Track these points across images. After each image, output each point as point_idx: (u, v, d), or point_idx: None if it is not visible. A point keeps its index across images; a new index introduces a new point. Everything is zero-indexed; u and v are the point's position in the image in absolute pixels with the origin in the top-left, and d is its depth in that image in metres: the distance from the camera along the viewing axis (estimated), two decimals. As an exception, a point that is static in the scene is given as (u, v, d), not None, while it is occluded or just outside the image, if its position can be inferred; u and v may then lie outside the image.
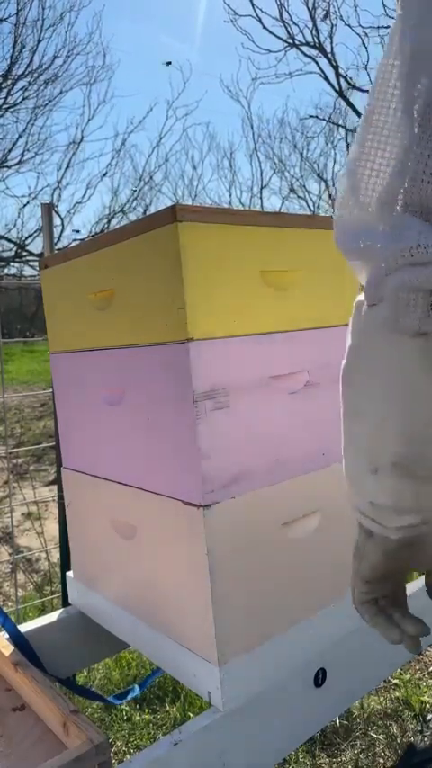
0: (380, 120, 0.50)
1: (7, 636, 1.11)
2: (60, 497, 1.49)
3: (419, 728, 1.43)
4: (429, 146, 0.46)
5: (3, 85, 10.25)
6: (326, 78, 8.73)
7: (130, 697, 1.33)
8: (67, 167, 12.75)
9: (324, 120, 11.72)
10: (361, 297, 0.56)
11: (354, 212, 0.52)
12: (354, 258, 0.54)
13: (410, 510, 0.57)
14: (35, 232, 12.55)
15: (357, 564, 0.65)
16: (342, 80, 8.61)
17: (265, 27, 8.00)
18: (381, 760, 1.35)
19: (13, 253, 12.46)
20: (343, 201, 0.53)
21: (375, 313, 0.53)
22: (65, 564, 1.53)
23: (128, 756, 1.39)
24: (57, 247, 1.65)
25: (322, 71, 8.64)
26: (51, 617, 1.24)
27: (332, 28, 8.10)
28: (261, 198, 15.70)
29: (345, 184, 0.53)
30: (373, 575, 0.64)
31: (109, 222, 13.49)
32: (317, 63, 8.53)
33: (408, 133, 0.47)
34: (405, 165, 0.47)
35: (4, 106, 10.53)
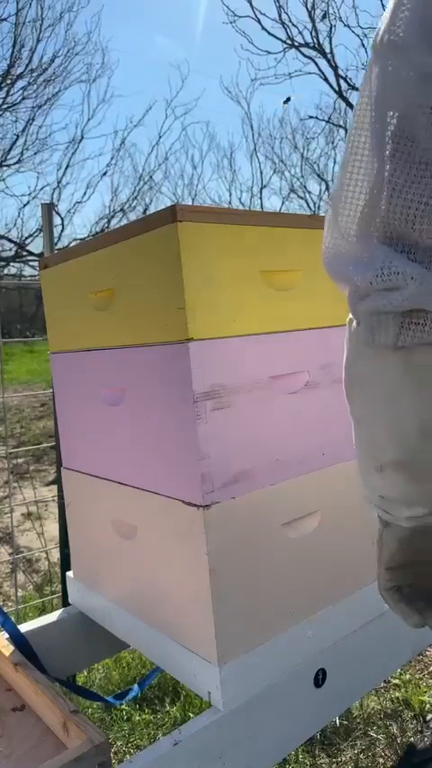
0: (356, 155, 0.54)
1: (7, 636, 1.11)
2: (60, 497, 1.49)
3: (419, 728, 1.43)
4: (394, 180, 0.50)
5: (2, 85, 10.25)
6: (325, 79, 8.73)
7: (129, 697, 1.33)
8: (67, 167, 12.76)
9: (324, 120, 11.73)
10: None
11: (336, 241, 0.57)
12: (337, 282, 0.60)
13: (417, 502, 0.61)
14: (35, 232, 12.55)
15: (379, 552, 0.70)
16: (341, 81, 8.62)
17: (264, 28, 8.01)
18: (381, 760, 1.35)
19: (12, 253, 12.45)
20: (327, 230, 0.58)
21: (359, 330, 0.58)
22: (65, 564, 1.53)
23: (128, 756, 1.39)
24: (57, 247, 1.65)
25: (321, 72, 8.65)
26: (51, 617, 1.24)
27: (331, 29, 8.11)
28: (261, 198, 15.70)
29: (329, 214, 0.58)
30: (391, 562, 0.68)
31: (109, 222, 13.49)
32: (316, 64, 8.53)
33: (378, 169, 0.51)
34: (376, 199, 0.51)
35: (4, 106, 10.53)
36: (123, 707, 1.55)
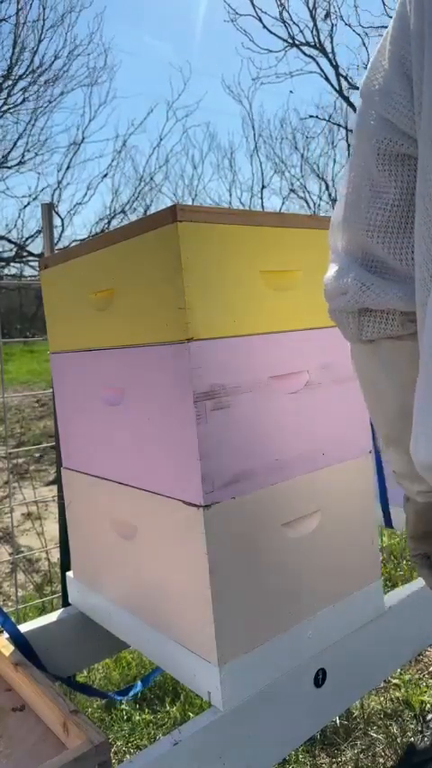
0: (344, 188, 0.66)
1: (7, 636, 1.11)
2: (60, 497, 1.49)
3: (419, 728, 1.43)
4: (370, 213, 0.61)
5: (3, 86, 10.24)
6: (326, 78, 8.73)
7: (132, 693, 1.33)
8: (68, 168, 12.75)
9: (324, 119, 11.73)
10: None
11: (331, 258, 0.69)
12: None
13: (418, 479, 0.68)
14: (35, 233, 12.54)
15: (406, 522, 0.77)
16: (342, 80, 8.62)
17: (265, 26, 8.00)
18: (381, 760, 1.35)
19: (13, 253, 12.45)
20: (330, 253, 0.71)
21: None
22: (65, 564, 1.53)
23: (128, 756, 1.38)
24: (57, 248, 1.65)
25: (322, 71, 8.64)
26: (51, 617, 1.24)
27: (332, 28, 8.10)
28: (262, 198, 15.69)
29: (329, 239, 0.70)
30: (414, 532, 0.75)
31: (109, 222, 13.49)
32: (317, 63, 8.52)
33: (357, 194, 0.62)
34: (354, 221, 0.63)
35: (5, 107, 10.52)
36: (123, 707, 1.55)
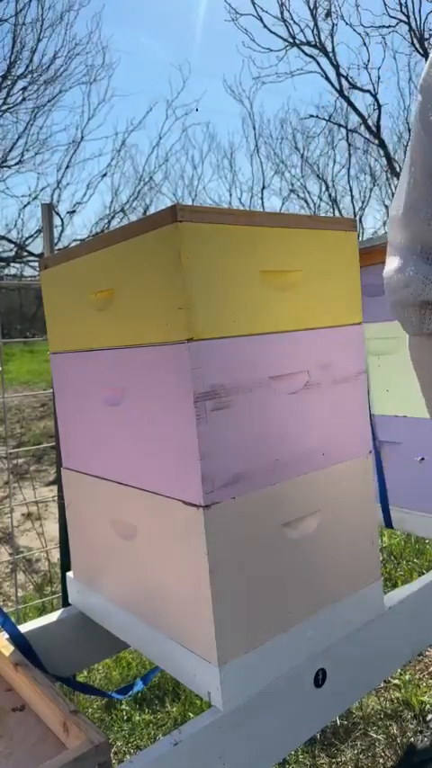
0: (404, 182, 0.67)
1: (7, 636, 1.11)
2: (60, 497, 1.49)
3: (419, 728, 1.43)
4: (429, 201, 0.61)
5: (2, 86, 10.24)
6: (326, 78, 8.73)
7: (133, 691, 1.33)
8: (67, 167, 12.76)
9: (324, 119, 11.73)
10: None
11: (390, 251, 0.71)
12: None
13: None
14: (35, 233, 12.55)
15: None
16: (343, 79, 8.62)
17: (265, 26, 8.01)
18: (381, 760, 1.35)
19: (13, 253, 12.45)
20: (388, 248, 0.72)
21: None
22: (65, 564, 1.53)
23: (128, 756, 1.39)
24: (57, 248, 1.65)
25: (323, 70, 8.64)
26: (51, 617, 1.24)
27: (333, 27, 8.11)
28: (262, 198, 15.70)
29: (388, 232, 0.72)
30: None
31: (109, 222, 13.50)
32: (317, 62, 8.53)
33: (415, 189, 0.63)
34: (415, 216, 0.64)
35: (4, 106, 10.52)
36: (123, 707, 1.55)
